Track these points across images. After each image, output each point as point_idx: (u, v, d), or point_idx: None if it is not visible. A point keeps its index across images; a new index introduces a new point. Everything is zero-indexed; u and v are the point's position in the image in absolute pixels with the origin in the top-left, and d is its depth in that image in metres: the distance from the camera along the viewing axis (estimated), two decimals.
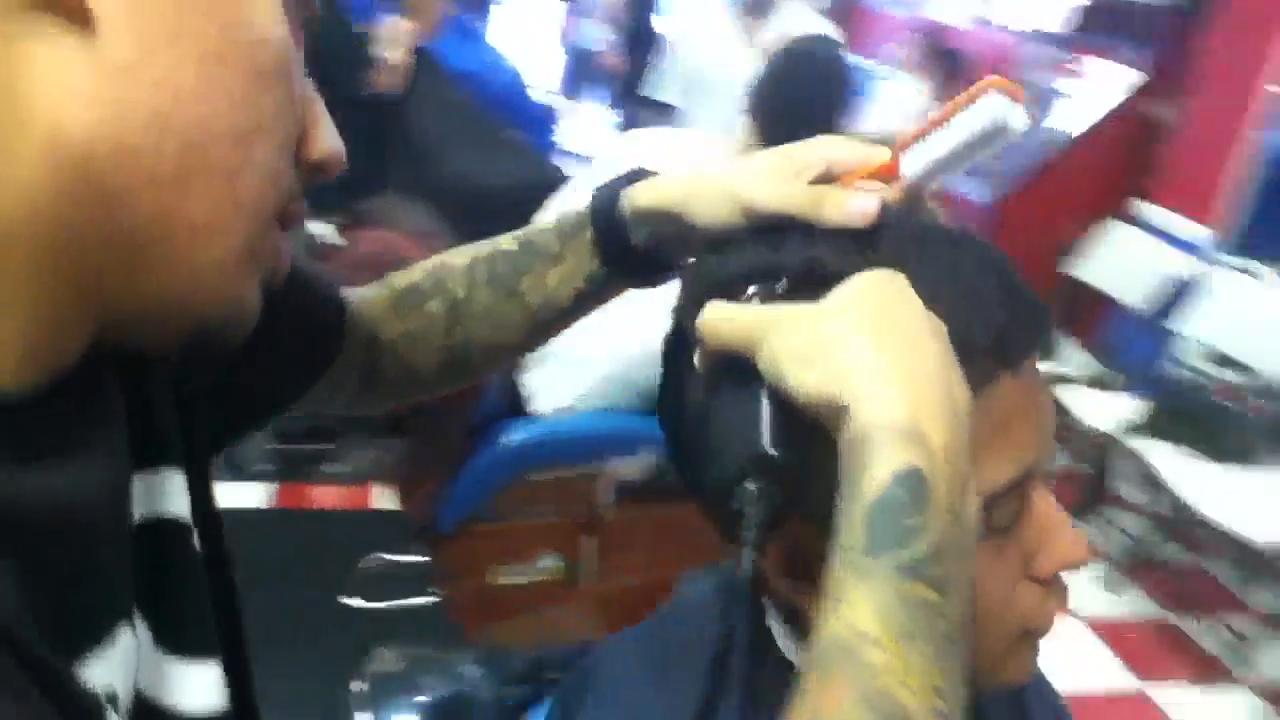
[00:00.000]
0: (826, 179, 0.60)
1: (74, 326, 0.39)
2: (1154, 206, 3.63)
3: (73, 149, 0.35)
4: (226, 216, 0.40)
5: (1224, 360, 3.29)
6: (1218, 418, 2.80)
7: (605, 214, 0.67)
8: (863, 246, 0.54)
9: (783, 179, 0.60)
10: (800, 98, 1.78)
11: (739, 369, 0.50)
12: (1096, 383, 3.17)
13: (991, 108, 0.54)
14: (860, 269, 0.53)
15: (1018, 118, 0.54)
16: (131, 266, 0.39)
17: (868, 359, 0.45)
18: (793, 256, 0.55)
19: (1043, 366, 0.58)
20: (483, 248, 0.72)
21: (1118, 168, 4.31)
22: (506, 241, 0.71)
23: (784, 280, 0.53)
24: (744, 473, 0.48)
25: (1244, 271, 3.08)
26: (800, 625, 0.60)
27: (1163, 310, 3.19)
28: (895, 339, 0.46)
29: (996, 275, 0.55)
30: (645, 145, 1.87)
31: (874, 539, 0.41)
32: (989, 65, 5.50)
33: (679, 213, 0.63)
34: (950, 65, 5.17)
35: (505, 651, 2.06)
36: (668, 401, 0.63)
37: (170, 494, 0.47)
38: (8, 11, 0.34)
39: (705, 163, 0.65)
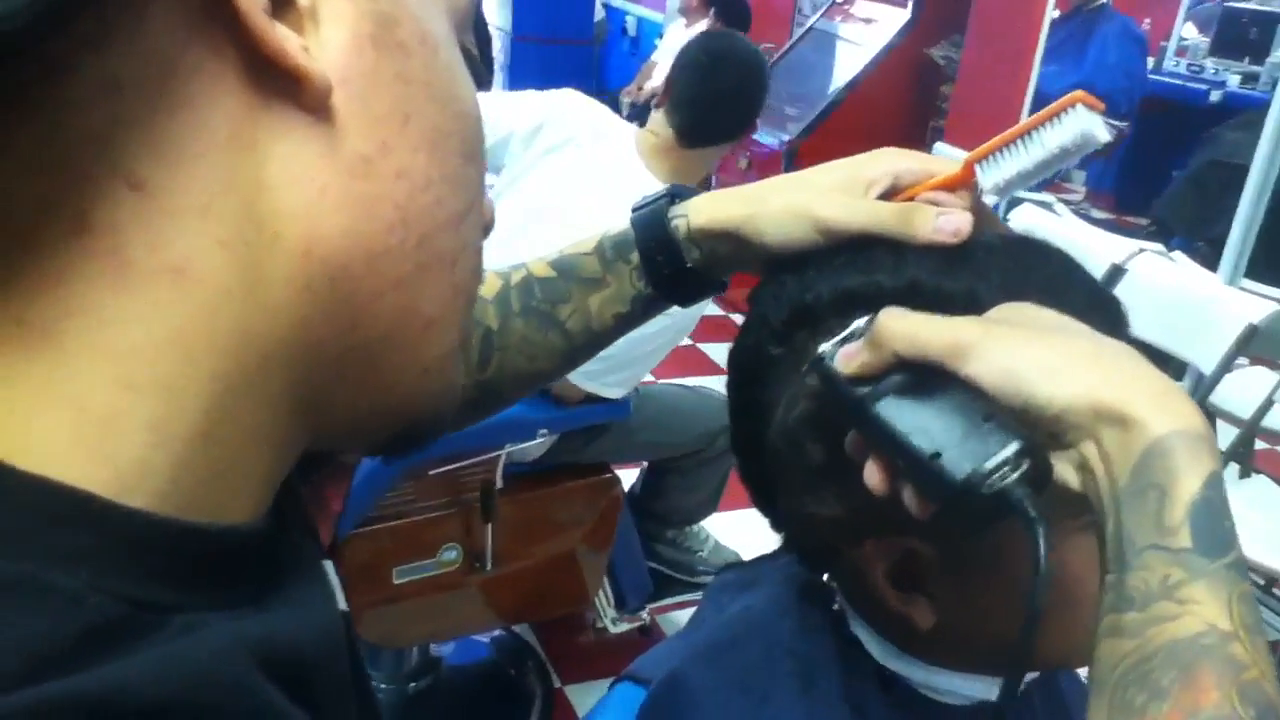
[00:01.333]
0: (893, 193, 0.60)
1: (299, 446, 0.35)
2: (948, 147, 3.84)
3: (327, 261, 0.32)
4: (453, 307, 0.37)
5: None
6: None
7: (652, 235, 0.64)
8: (956, 263, 0.55)
9: (856, 196, 0.59)
10: (720, 90, 1.82)
11: (917, 377, 0.48)
12: None
13: (1079, 122, 0.55)
14: (961, 287, 0.54)
15: (1100, 130, 0.56)
16: (364, 377, 0.35)
17: (1137, 374, 0.45)
18: (890, 278, 0.55)
19: None
20: (512, 274, 0.68)
21: (907, 108, 4.55)
22: (540, 268, 0.68)
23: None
24: (1004, 463, 0.45)
25: (1041, 205, 3.32)
26: (899, 633, 0.61)
27: None
28: (1119, 350, 0.46)
29: (1080, 279, 0.57)
30: None
31: (1203, 542, 0.41)
32: (766, 9, 5.67)
33: (742, 232, 0.61)
34: (727, 9, 5.28)
35: (399, 650, 2.02)
36: (742, 429, 0.62)
37: (335, 585, 0.43)
38: (247, 111, 0.30)
39: (763, 182, 0.64)
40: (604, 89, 6.67)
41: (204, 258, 0.29)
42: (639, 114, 5.83)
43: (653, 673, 0.72)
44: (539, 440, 1.78)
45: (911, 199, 0.59)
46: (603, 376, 1.79)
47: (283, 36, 0.29)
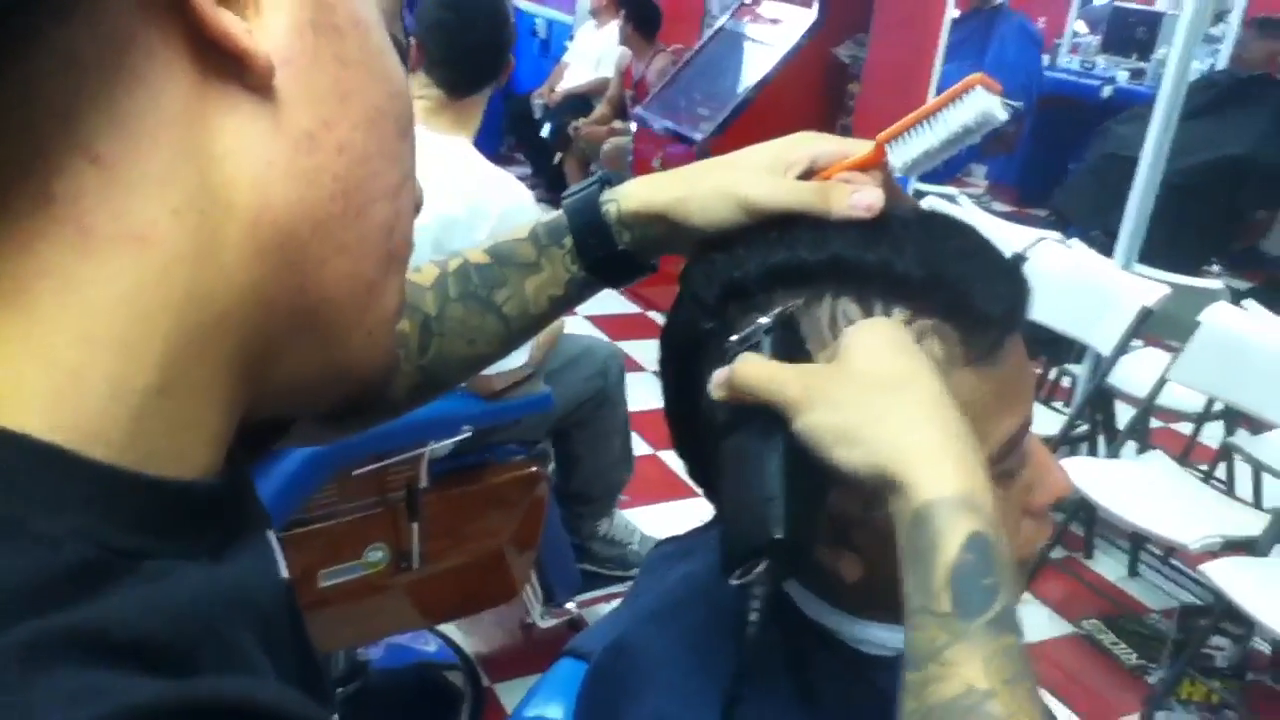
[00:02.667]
0: (811, 173, 0.64)
1: (250, 405, 0.37)
2: None
3: (275, 227, 0.34)
4: (390, 271, 0.40)
5: None
6: None
7: (584, 220, 0.67)
8: (873, 238, 0.58)
9: (778, 176, 0.62)
10: (473, 43, 1.92)
11: (759, 415, 0.53)
12: None
13: (979, 102, 0.59)
14: (879, 259, 0.57)
15: (999, 109, 0.60)
16: (311, 339, 0.38)
17: (911, 436, 0.49)
18: (812, 253, 0.58)
19: None
20: (449, 262, 0.70)
21: (816, 107, 4.64)
22: (475, 254, 0.70)
23: (780, 314, 0.57)
24: (757, 553, 0.51)
25: (944, 197, 3.43)
26: (829, 589, 0.64)
27: None
28: (925, 408, 0.50)
29: (987, 250, 0.61)
30: None
31: (961, 604, 0.46)
32: (676, 11, 5.73)
33: (671, 215, 0.64)
34: (637, 11, 5.34)
35: (326, 655, 2.00)
36: (678, 405, 0.65)
37: (278, 552, 0.45)
38: (197, 89, 0.32)
39: (690, 166, 0.67)
40: (514, 91, 6.64)
41: (161, 225, 0.31)
42: (550, 116, 5.84)
43: (593, 646, 0.74)
44: (461, 434, 1.78)
45: (828, 178, 0.63)
46: None
47: (228, 21, 0.32)
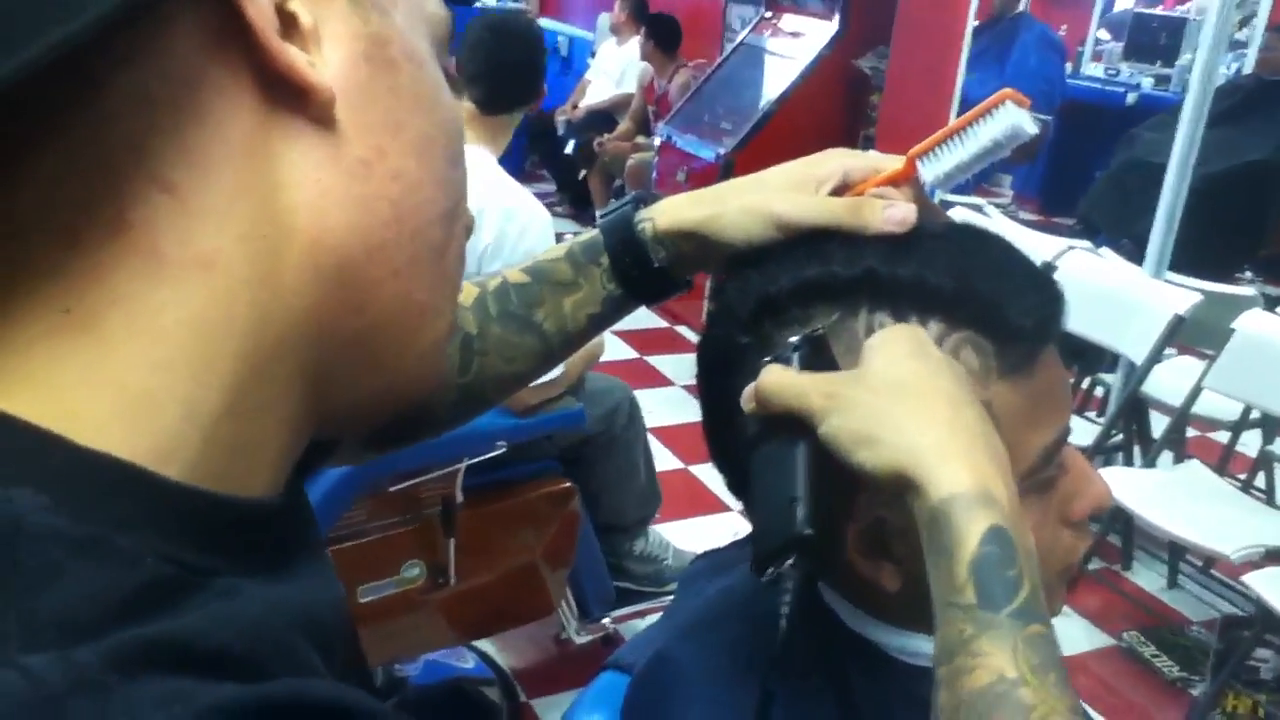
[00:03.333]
0: (842, 189, 0.64)
1: (310, 428, 0.38)
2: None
3: (333, 251, 0.35)
4: (442, 296, 0.41)
5: None
6: None
7: (620, 239, 0.68)
8: (905, 252, 0.59)
9: (809, 193, 0.63)
10: (508, 62, 2.02)
11: (786, 425, 0.55)
12: None
13: (1008, 117, 0.60)
14: (911, 273, 0.57)
15: (1029, 124, 0.60)
16: (366, 360, 0.39)
17: (927, 436, 0.50)
18: (845, 268, 0.59)
19: None
20: (488, 282, 0.71)
21: (838, 119, 4.64)
22: (515, 275, 0.71)
23: (810, 336, 0.58)
24: (785, 549, 0.53)
25: (972, 208, 3.42)
26: (869, 599, 0.64)
27: None
28: (940, 408, 0.52)
29: (1020, 262, 0.61)
30: None
31: (985, 595, 0.47)
32: (696, 26, 5.75)
33: (704, 231, 0.65)
34: (657, 27, 5.36)
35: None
36: (716, 419, 0.65)
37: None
38: (261, 121, 0.34)
39: (722, 184, 0.67)
40: (539, 108, 6.68)
41: (227, 250, 0.33)
42: (573, 132, 5.87)
43: (635, 659, 0.74)
44: (496, 450, 1.79)
45: (860, 194, 0.63)
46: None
47: (292, 54, 0.33)
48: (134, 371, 0.31)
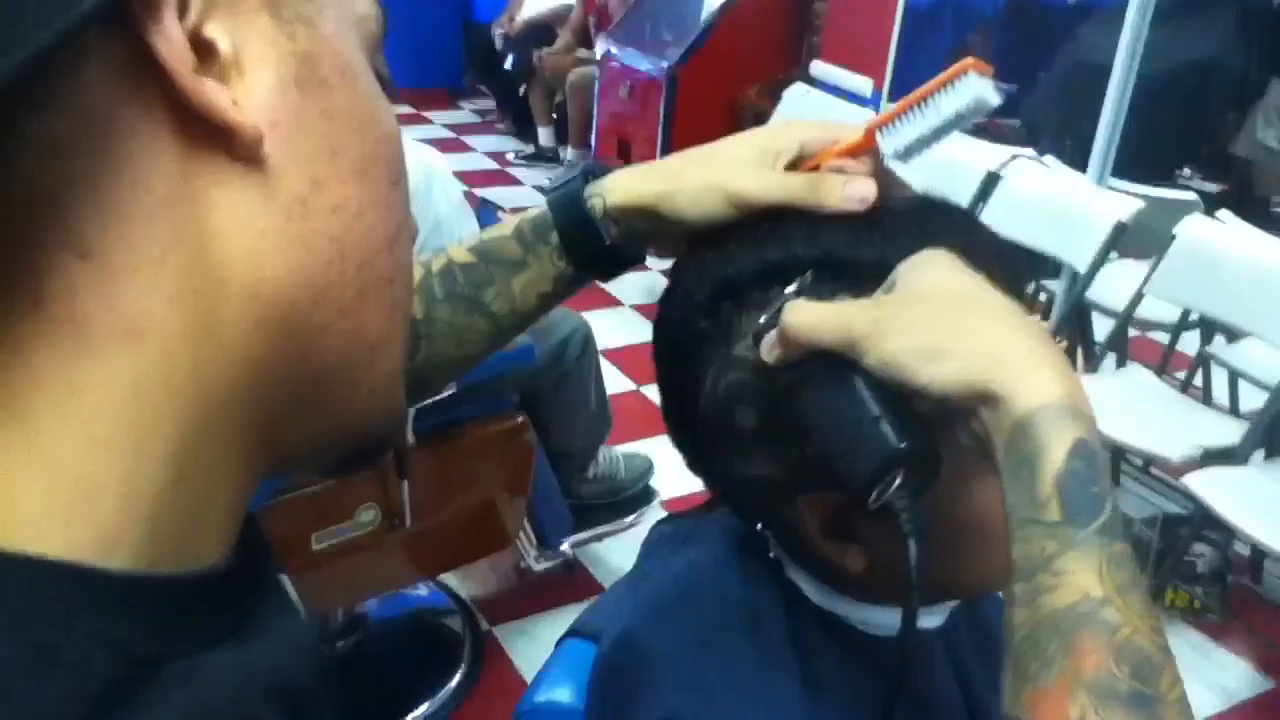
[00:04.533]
0: (800, 160, 0.62)
1: (261, 475, 0.36)
2: (824, 64, 3.88)
3: (274, 300, 0.33)
4: (393, 325, 0.38)
5: None
6: None
7: (570, 215, 0.66)
8: (866, 232, 0.57)
9: (767, 168, 0.61)
10: None
11: (824, 365, 0.52)
12: None
13: (971, 88, 0.58)
14: (873, 254, 0.56)
15: (991, 94, 0.58)
16: (317, 404, 0.36)
17: (1007, 345, 0.48)
18: (806, 249, 0.57)
19: None
20: (433, 262, 0.69)
21: (783, 26, 4.57)
22: (460, 254, 0.69)
23: (808, 275, 0.56)
24: (885, 469, 0.50)
25: None
26: (833, 577, 0.64)
27: None
28: (1010, 317, 0.49)
29: (984, 236, 0.60)
30: None
31: (1072, 511, 0.45)
32: None
33: (659, 209, 0.63)
34: None
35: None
36: (675, 403, 0.64)
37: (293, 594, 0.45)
38: (183, 167, 0.30)
39: (675, 157, 0.65)
40: (474, 21, 6.49)
41: (158, 313, 0.30)
42: (511, 47, 5.73)
43: (599, 627, 0.74)
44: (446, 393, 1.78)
45: (818, 166, 0.62)
46: None
47: (211, 93, 0.30)
48: (68, 457, 0.29)
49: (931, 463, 0.51)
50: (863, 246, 0.56)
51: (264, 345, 0.33)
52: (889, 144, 0.60)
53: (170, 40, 0.29)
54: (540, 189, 5.28)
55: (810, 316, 0.52)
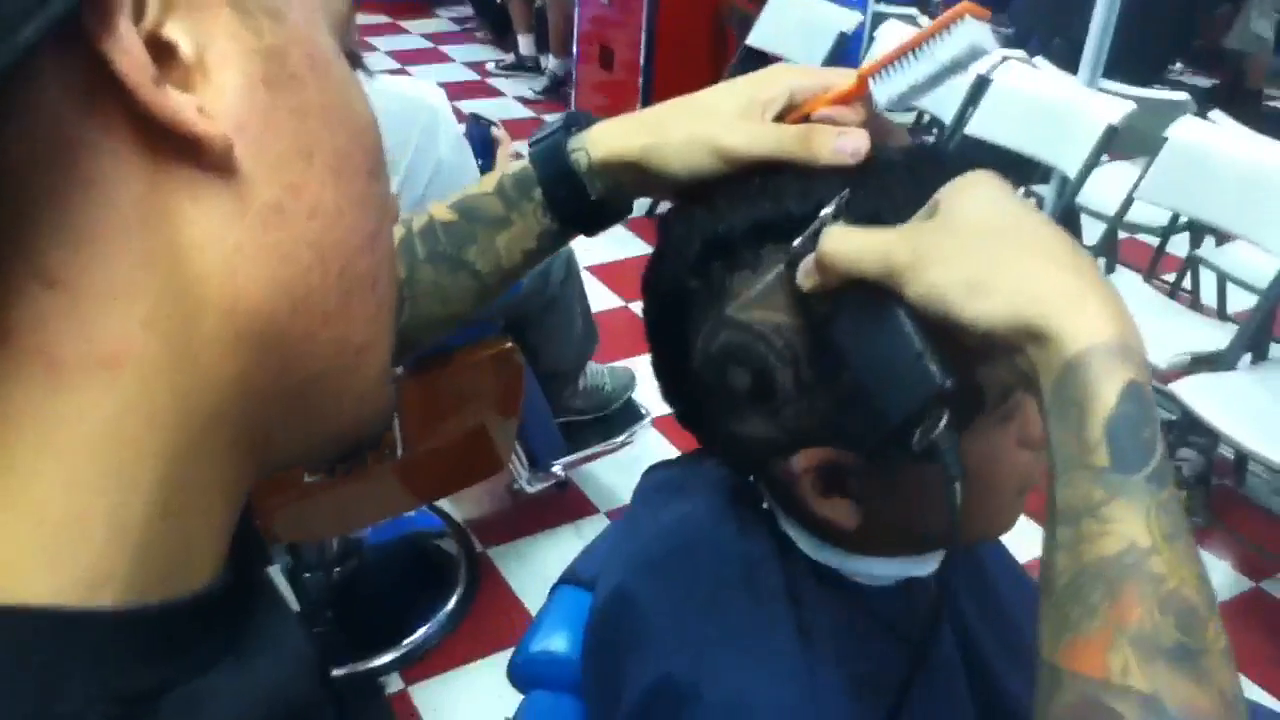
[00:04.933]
0: (789, 109, 0.60)
1: (249, 485, 0.35)
2: None
3: (253, 314, 0.31)
4: (378, 326, 0.37)
5: None
6: None
7: (553, 171, 0.64)
8: (859, 186, 0.55)
9: (755, 120, 0.59)
10: None
11: (861, 295, 0.50)
12: None
13: (967, 34, 0.56)
14: (867, 208, 0.54)
15: (987, 40, 0.56)
16: (303, 414, 0.35)
17: (1056, 281, 0.45)
18: (798, 205, 0.55)
19: None
20: (414, 220, 0.67)
21: None
22: (442, 212, 0.67)
23: (845, 194, 0.53)
24: (928, 408, 0.49)
25: (904, 19, 3.31)
26: (825, 530, 0.64)
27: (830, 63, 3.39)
28: (1061, 251, 0.47)
29: None
30: None
31: (1120, 457, 0.43)
32: None
33: (644, 164, 0.61)
34: None
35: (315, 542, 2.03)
36: (667, 359, 0.63)
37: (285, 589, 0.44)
38: (150, 182, 0.28)
39: (661, 107, 0.63)
40: None
41: (133, 340, 0.29)
42: None
43: (593, 574, 0.74)
44: None
45: (808, 115, 0.60)
46: None
47: (175, 103, 0.28)
48: (49, 498, 0.27)
49: (975, 401, 0.50)
50: (857, 201, 0.54)
51: (246, 361, 0.31)
52: (882, 92, 0.58)
53: (127, 51, 0.26)
54: (523, 99, 5.18)
55: (850, 245, 0.50)
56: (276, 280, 0.31)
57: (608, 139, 0.63)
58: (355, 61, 0.36)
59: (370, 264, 0.35)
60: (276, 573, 0.52)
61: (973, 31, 0.56)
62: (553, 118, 0.66)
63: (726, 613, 0.63)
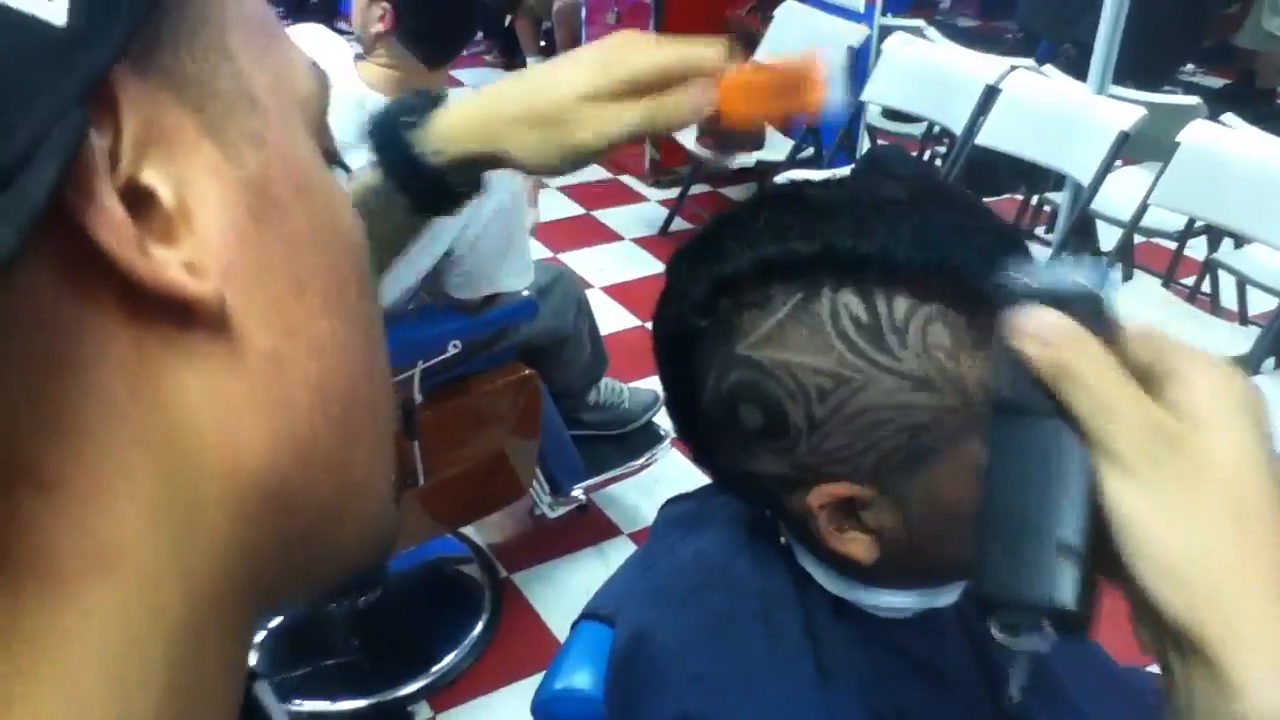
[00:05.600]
0: (662, 86, 0.60)
1: (253, 634, 0.33)
2: None
3: (255, 474, 0.29)
4: (381, 453, 0.34)
5: (894, 115, 3.60)
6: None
7: (410, 177, 0.65)
8: (866, 224, 0.55)
9: (603, 106, 0.60)
10: (453, 13, 1.85)
11: (1050, 410, 0.40)
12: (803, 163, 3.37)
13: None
14: (875, 247, 0.54)
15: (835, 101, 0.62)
16: (304, 557, 0.32)
17: (1260, 608, 0.37)
18: (805, 244, 0.56)
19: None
20: None
21: None
22: None
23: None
24: (1034, 615, 0.40)
25: (911, 30, 3.32)
26: (845, 566, 0.64)
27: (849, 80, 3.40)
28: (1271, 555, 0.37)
29: (985, 221, 0.58)
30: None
31: None
32: None
33: (502, 160, 0.64)
34: None
35: None
36: (678, 397, 0.63)
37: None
38: (139, 355, 0.26)
39: (504, 89, 0.65)
40: None
41: (130, 535, 0.26)
42: None
43: (612, 609, 0.74)
44: (450, 351, 1.77)
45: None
46: (484, 279, 1.78)
47: (162, 267, 0.25)
48: None
49: (1081, 628, 0.40)
50: (864, 238, 0.55)
51: (248, 524, 0.29)
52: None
53: (109, 219, 0.24)
54: None
55: (1082, 357, 0.39)
56: (278, 434, 0.29)
57: (457, 137, 0.64)
58: (332, 158, 0.34)
59: (369, 392, 0.32)
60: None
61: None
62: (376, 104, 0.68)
63: (744, 650, 0.63)
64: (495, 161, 0.64)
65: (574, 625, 0.80)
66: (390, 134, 0.65)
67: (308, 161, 0.31)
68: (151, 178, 0.25)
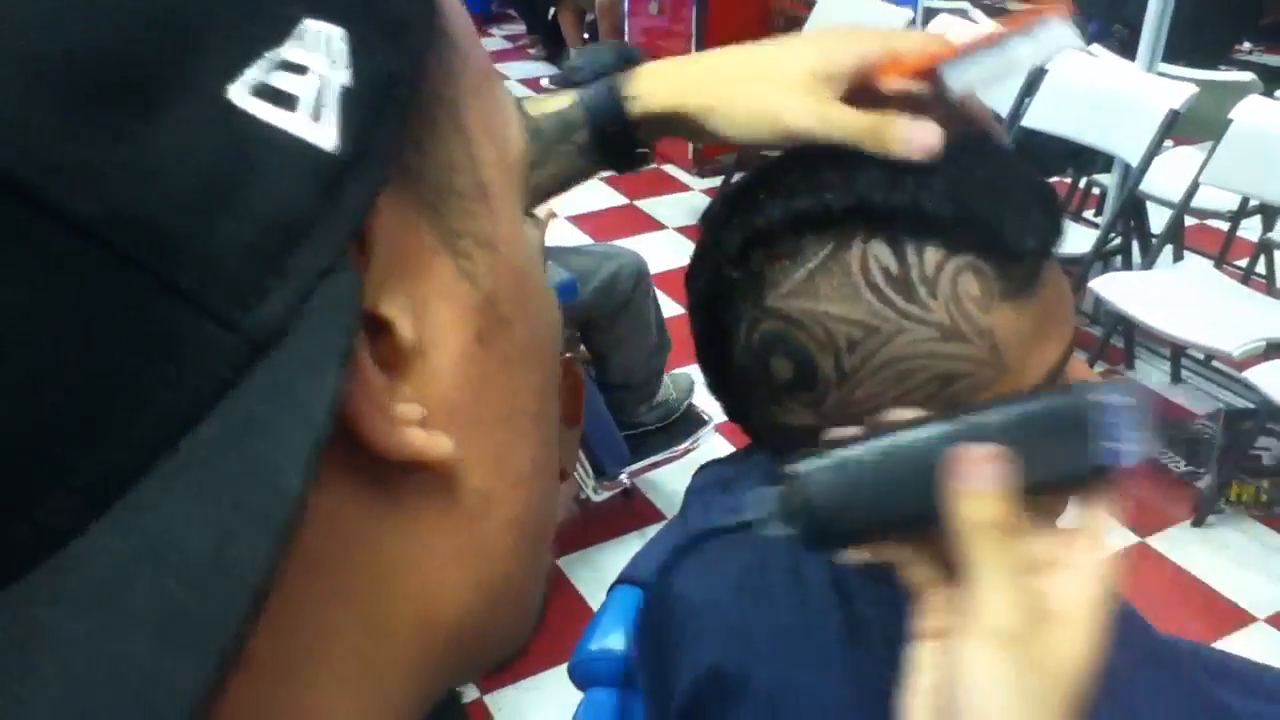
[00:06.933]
0: (859, 81, 0.59)
1: None
2: None
3: (449, 626, 0.27)
4: (549, 528, 0.31)
5: None
6: None
7: (605, 118, 0.63)
8: (899, 176, 0.55)
9: (822, 97, 0.58)
10: None
11: None
12: None
13: (1055, 38, 0.57)
14: (906, 200, 0.54)
15: (1072, 40, 0.57)
16: (469, 666, 0.30)
17: None
18: (838, 197, 0.55)
19: None
20: None
21: None
22: None
23: None
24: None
25: (957, 13, 3.29)
26: None
27: None
28: None
29: (1020, 176, 0.58)
30: None
31: None
32: None
33: (701, 122, 0.60)
34: None
35: None
36: (710, 351, 0.64)
37: None
38: (372, 515, 0.24)
39: (723, 63, 0.62)
40: None
41: (328, 705, 0.24)
42: None
43: (647, 573, 0.75)
44: None
45: (883, 78, 0.59)
46: None
47: (404, 433, 0.23)
48: None
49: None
50: (896, 191, 0.55)
51: (434, 670, 0.27)
52: (953, 79, 0.58)
53: (369, 393, 0.21)
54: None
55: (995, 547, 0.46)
56: (478, 584, 0.27)
57: (663, 92, 0.62)
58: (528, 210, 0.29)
59: (552, 514, 0.30)
60: None
61: (1059, 35, 0.56)
62: (593, 49, 0.66)
63: (774, 605, 0.64)
64: (689, 124, 0.61)
65: (610, 589, 0.81)
66: (599, 76, 0.63)
67: (532, 260, 0.28)
68: (392, 309, 0.22)
